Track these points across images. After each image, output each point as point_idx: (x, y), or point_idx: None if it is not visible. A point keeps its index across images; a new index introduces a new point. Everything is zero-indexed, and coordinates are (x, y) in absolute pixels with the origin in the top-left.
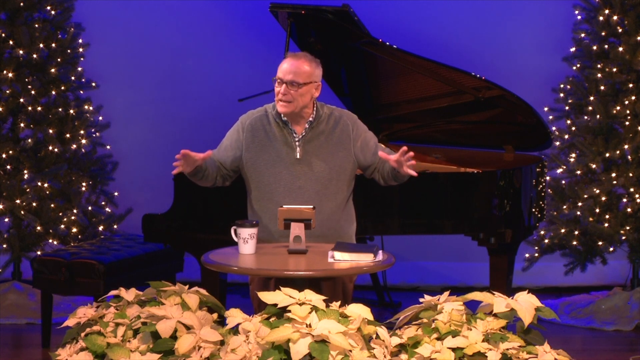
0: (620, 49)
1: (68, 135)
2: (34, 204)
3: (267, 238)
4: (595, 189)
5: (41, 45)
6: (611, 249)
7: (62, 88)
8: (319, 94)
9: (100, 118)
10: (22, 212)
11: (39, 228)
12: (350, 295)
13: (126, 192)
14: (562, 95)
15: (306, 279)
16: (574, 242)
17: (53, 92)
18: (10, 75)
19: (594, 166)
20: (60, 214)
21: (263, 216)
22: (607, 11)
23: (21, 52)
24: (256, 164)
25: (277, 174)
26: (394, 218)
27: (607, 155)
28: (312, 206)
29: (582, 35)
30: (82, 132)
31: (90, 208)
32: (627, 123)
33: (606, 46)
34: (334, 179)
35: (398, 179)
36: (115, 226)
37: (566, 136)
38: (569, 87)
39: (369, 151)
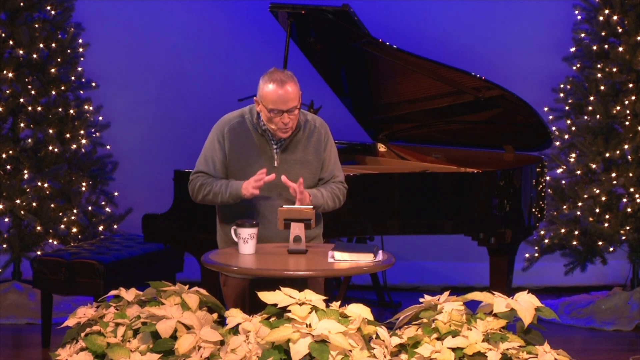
0: (620, 49)
1: (68, 135)
2: (34, 204)
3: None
4: (595, 189)
5: (41, 45)
6: (611, 249)
7: (62, 88)
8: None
9: (100, 118)
10: (22, 212)
11: (39, 228)
12: (323, 288)
13: (126, 192)
14: (562, 95)
15: (301, 280)
16: (574, 242)
17: (53, 92)
18: (10, 75)
19: (594, 166)
20: (60, 214)
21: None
22: (607, 11)
23: (21, 52)
24: (234, 171)
25: None
26: (394, 218)
27: (607, 155)
28: (311, 206)
29: (582, 35)
30: (82, 132)
31: (90, 208)
32: (627, 123)
33: (606, 46)
34: (309, 186)
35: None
36: (115, 226)
37: (566, 136)
38: (569, 87)
39: (325, 169)
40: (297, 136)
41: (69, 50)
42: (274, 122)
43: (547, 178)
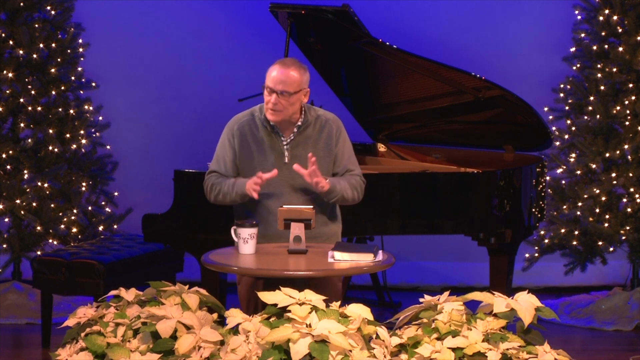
0: (620, 49)
1: (68, 135)
2: (34, 204)
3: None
4: (595, 189)
5: (41, 45)
6: (611, 249)
7: (62, 88)
8: (307, 99)
9: (100, 118)
10: (22, 212)
11: (39, 228)
12: (340, 294)
13: (126, 192)
14: (562, 95)
15: (303, 280)
16: (574, 242)
17: (53, 92)
18: (10, 75)
19: (594, 166)
20: (60, 214)
21: (255, 218)
22: (607, 11)
23: (21, 52)
24: (245, 169)
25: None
26: (394, 218)
27: (607, 155)
28: (311, 206)
29: (582, 35)
30: (82, 132)
31: (90, 208)
32: (627, 123)
33: (606, 46)
34: None
35: (327, 199)
36: (115, 226)
37: (566, 136)
38: (569, 87)
39: (339, 164)
40: (306, 132)
41: (69, 50)
42: (265, 100)
43: (547, 178)
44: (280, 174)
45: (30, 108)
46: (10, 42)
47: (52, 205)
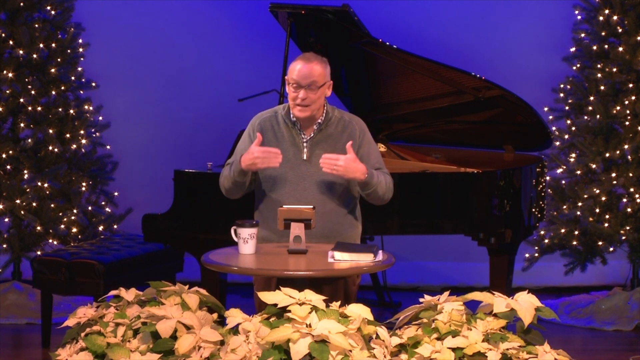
0: (620, 49)
1: (68, 135)
2: (34, 204)
3: (271, 237)
4: (595, 189)
5: (41, 45)
6: (611, 249)
7: (62, 88)
8: (330, 92)
9: (100, 118)
10: (22, 212)
11: (39, 228)
12: (354, 297)
13: (126, 192)
14: (562, 95)
15: (307, 280)
16: (574, 242)
17: (53, 92)
18: (10, 75)
19: (594, 166)
20: (60, 214)
21: (268, 215)
22: (607, 11)
23: (21, 52)
24: None
25: (283, 174)
26: (394, 218)
27: (607, 155)
28: (312, 206)
29: (582, 35)
30: (82, 132)
31: (90, 208)
32: (627, 123)
33: (606, 46)
34: (338, 181)
35: (363, 191)
36: (115, 226)
37: (566, 136)
38: (569, 87)
39: (365, 165)
40: (328, 130)
41: (69, 50)
42: (292, 97)
43: (547, 178)
44: (297, 170)
45: (30, 108)
46: (10, 42)
47: (52, 205)
